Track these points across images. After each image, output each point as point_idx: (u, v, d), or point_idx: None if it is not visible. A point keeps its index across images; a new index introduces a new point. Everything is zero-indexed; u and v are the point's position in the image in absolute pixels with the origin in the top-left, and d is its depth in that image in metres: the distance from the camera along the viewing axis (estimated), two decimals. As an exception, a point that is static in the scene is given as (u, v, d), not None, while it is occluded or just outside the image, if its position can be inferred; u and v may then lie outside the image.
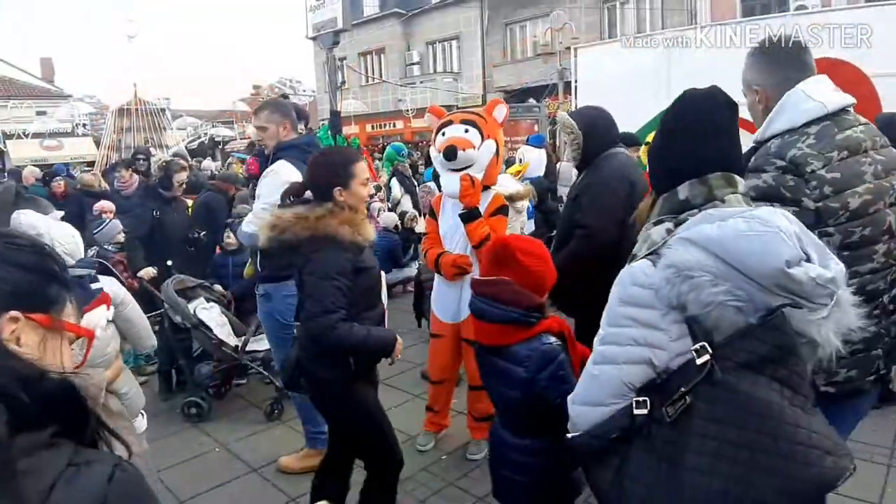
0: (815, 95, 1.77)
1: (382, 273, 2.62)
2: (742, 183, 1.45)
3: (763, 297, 1.19)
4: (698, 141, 1.44)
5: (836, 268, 1.21)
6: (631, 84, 7.00)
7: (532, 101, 18.79)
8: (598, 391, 1.36)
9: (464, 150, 3.38)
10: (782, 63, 1.88)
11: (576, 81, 8.16)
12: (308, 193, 2.49)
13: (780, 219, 1.22)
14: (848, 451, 1.18)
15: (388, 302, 8.30)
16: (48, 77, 33.79)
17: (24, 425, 0.69)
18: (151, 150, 11.34)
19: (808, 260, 1.19)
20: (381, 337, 2.42)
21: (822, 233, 1.71)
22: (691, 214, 1.38)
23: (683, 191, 1.43)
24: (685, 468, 1.18)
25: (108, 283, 2.44)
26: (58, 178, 7.25)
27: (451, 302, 3.62)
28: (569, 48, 10.12)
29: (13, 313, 0.86)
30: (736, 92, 6.19)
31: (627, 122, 5.47)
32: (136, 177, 6.68)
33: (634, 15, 19.04)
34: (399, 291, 7.52)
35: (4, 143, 24.44)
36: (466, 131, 3.47)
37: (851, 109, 1.82)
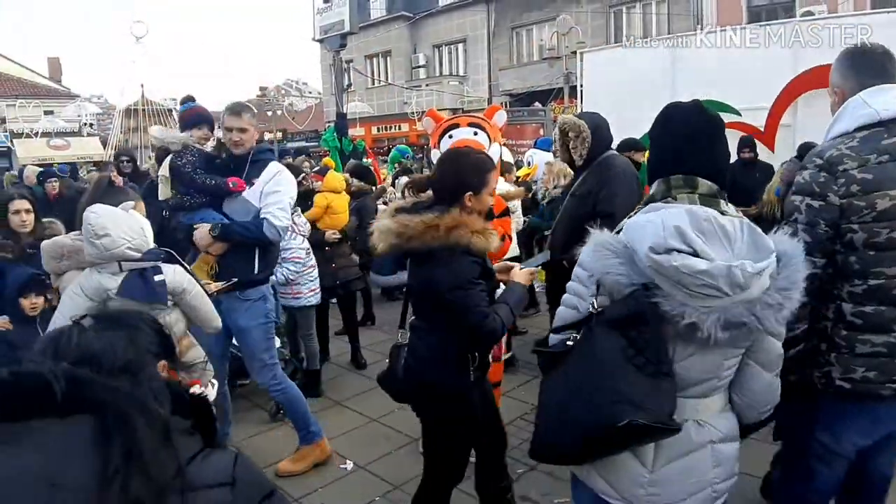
0: (872, 102, 1.80)
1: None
2: (706, 184, 1.60)
3: (648, 274, 1.48)
4: (671, 147, 1.68)
5: (717, 264, 1.38)
6: (636, 89, 7.01)
7: (538, 104, 18.81)
8: (555, 324, 1.75)
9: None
10: (861, 68, 1.90)
11: (581, 86, 8.18)
12: (429, 192, 2.43)
13: (671, 215, 1.47)
14: (655, 411, 1.42)
15: (391, 305, 8.31)
16: (56, 77, 33.97)
17: (175, 411, 0.91)
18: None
19: (695, 254, 1.40)
20: (517, 299, 2.46)
21: (847, 229, 1.75)
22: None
23: (654, 187, 1.69)
24: (557, 385, 1.60)
25: (170, 273, 2.51)
26: (51, 179, 7.19)
27: None
28: (575, 52, 10.15)
29: (165, 363, 1.40)
30: (738, 95, 6.17)
31: (633, 127, 5.47)
32: (119, 178, 6.63)
33: (640, 20, 19.04)
34: (400, 294, 7.52)
35: (12, 141, 24.59)
36: (475, 134, 3.49)
37: None
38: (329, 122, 20.21)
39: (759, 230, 1.49)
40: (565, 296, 1.70)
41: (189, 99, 3.50)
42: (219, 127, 3.46)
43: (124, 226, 2.37)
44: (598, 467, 1.63)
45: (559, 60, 17.79)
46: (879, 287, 1.75)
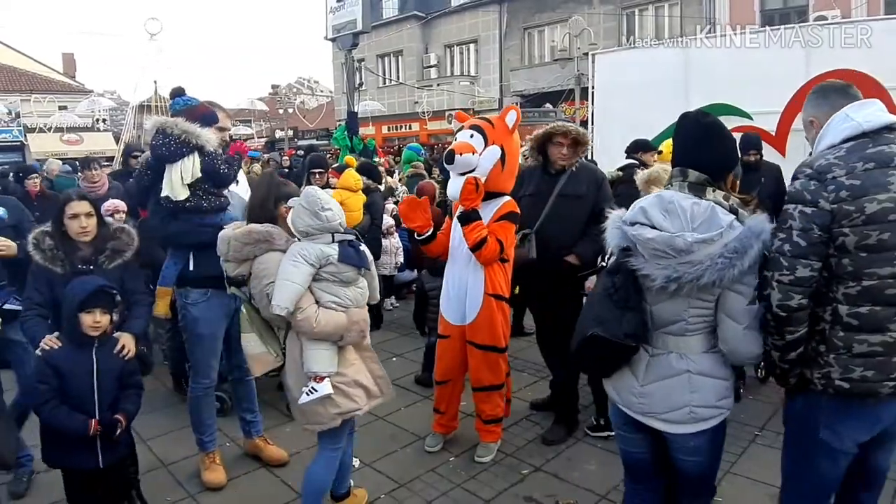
0: (855, 116, 1.95)
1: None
2: (695, 174, 2.02)
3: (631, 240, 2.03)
4: (681, 146, 2.15)
5: (661, 234, 1.93)
6: (648, 90, 6.99)
7: (549, 105, 18.79)
8: None
9: (461, 154, 3.40)
10: (830, 94, 2.12)
11: (593, 87, 8.15)
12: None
13: (645, 199, 2.07)
14: (612, 329, 2.01)
15: (401, 303, 8.23)
16: (70, 72, 34.25)
17: None
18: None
19: (654, 227, 1.95)
20: None
21: (839, 233, 1.85)
22: None
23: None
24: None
25: (364, 246, 2.86)
26: (33, 175, 6.51)
27: (457, 304, 3.63)
28: (586, 54, 10.13)
29: None
30: (750, 99, 6.16)
31: (644, 129, 5.47)
32: (105, 177, 5.95)
33: (653, 22, 18.99)
34: (408, 293, 7.62)
35: (25, 136, 24.83)
36: (472, 136, 3.49)
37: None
38: (340, 120, 20.29)
39: (720, 212, 1.93)
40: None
41: (181, 92, 3.32)
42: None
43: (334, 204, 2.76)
44: (612, 380, 2.21)
45: (571, 62, 17.76)
46: (873, 287, 1.84)
